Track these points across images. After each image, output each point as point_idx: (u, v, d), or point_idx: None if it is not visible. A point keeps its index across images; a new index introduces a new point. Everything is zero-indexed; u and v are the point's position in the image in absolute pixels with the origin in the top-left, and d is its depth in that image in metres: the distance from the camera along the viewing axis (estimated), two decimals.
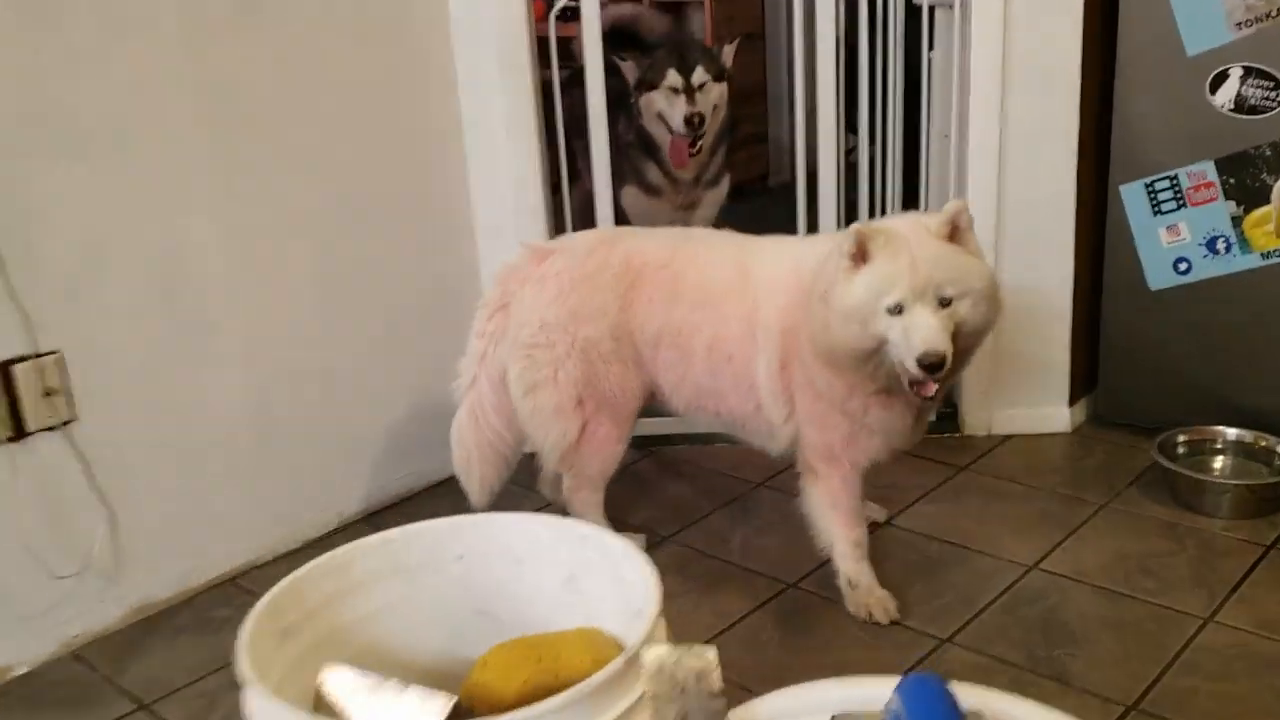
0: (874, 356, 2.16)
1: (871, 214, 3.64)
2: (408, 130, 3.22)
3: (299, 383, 3.08)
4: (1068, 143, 3.20)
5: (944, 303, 2.09)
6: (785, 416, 2.49)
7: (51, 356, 2.61)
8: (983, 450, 3.40)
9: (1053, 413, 3.46)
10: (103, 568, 2.77)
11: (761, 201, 4.03)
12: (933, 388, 2.14)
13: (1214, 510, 2.94)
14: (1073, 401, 3.46)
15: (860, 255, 2.12)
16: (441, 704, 1.26)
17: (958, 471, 3.28)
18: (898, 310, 2.08)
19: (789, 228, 3.39)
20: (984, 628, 2.55)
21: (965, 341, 2.18)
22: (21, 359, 2.57)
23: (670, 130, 3.75)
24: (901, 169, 3.60)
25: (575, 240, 2.75)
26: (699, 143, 3.73)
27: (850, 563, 2.60)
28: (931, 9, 3.39)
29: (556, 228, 3.44)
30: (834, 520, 2.59)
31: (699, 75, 3.72)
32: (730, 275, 2.53)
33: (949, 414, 3.52)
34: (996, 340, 3.36)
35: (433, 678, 1.37)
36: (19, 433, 2.59)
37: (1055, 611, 2.60)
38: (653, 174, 3.81)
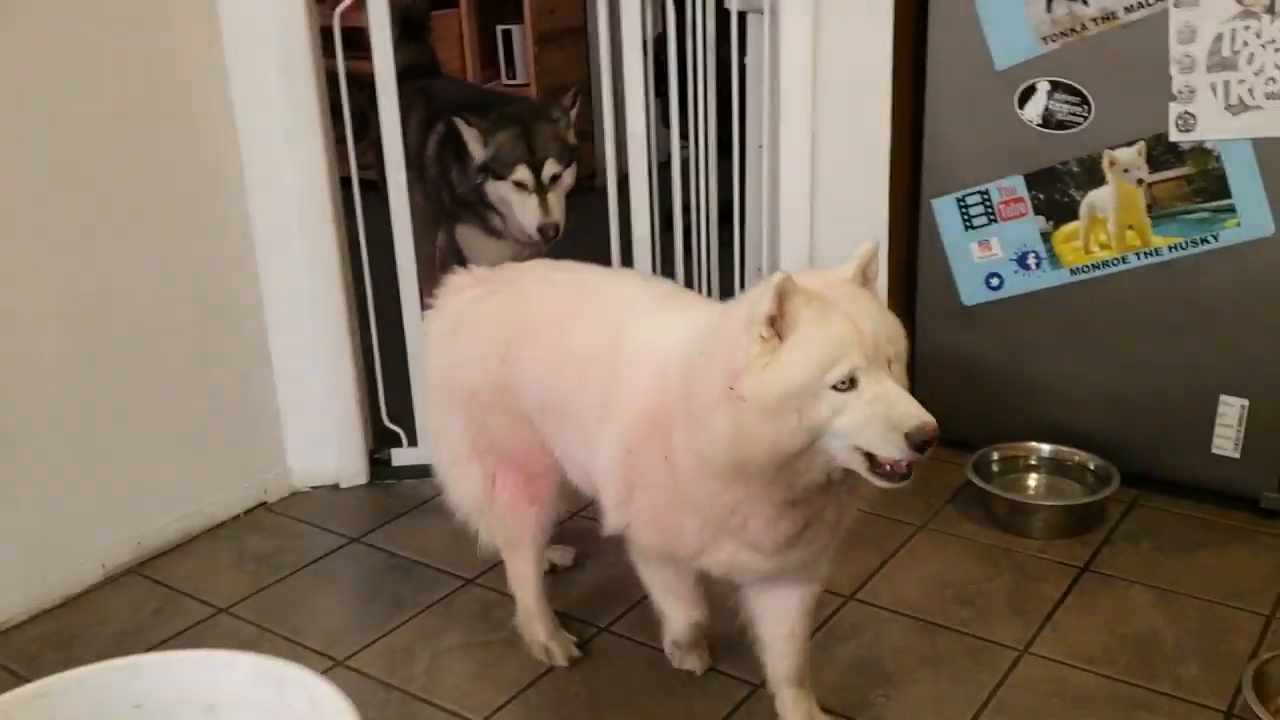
0: (805, 454, 1.68)
1: (688, 218, 3.51)
2: (170, 133, 2.89)
3: (49, 414, 2.75)
4: (879, 155, 3.12)
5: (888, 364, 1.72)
6: (619, 503, 2.05)
7: None
8: None
9: None
10: None
11: (587, 200, 3.70)
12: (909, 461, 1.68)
13: (1028, 531, 2.90)
14: None
15: (779, 324, 1.66)
16: None
17: None
18: (849, 385, 1.64)
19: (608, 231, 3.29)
20: None
21: None
22: None
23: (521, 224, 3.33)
24: (717, 174, 3.48)
25: (484, 278, 2.41)
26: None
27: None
28: (742, 15, 3.26)
29: (352, 244, 3.20)
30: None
31: (550, 168, 3.26)
32: (605, 339, 2.09)
33: None
34: None
35: None
36: None
37: (872, 648, 2.51)
38: (496, 222, 3.44)
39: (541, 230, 3.26)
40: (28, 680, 2.48)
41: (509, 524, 2.42)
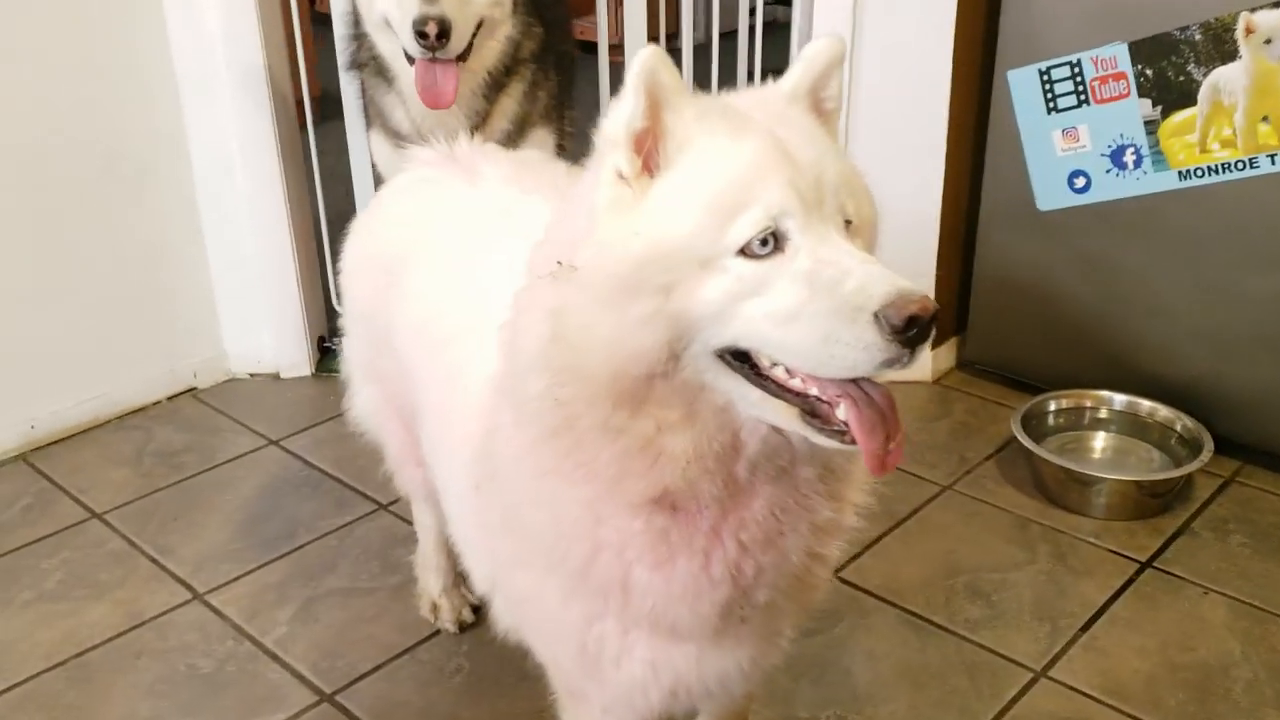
0: (678, 385, 1.01)
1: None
2: None
3: None
4: (942, 12, 2.43)
5: (847, 225, 1.04)
6: (480, 575, 1.41)
7: None
8: None
9: None
10: None
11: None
12: (891, 433, 1.02)
13: (1083, 507, 2.27)
14: (936, 344, 2.75)
15: (649, 145, 1.01)
16: None
17: None
18: (771, 245, 0.97)
19: None
20: None
21: None
22: None
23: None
24: None
25: (452, 161, 1.70)
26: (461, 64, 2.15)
27: None
28: None
29: (287, 83, 2.68)
30: None
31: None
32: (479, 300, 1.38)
33: None
34: None
35: None
36: None
37: (842, 648, 1.95)
38: (398, 115, 2.31)
39: (422, 26, 2.04)
40: None
41: (400, 475, 1.90)
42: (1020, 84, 2.44)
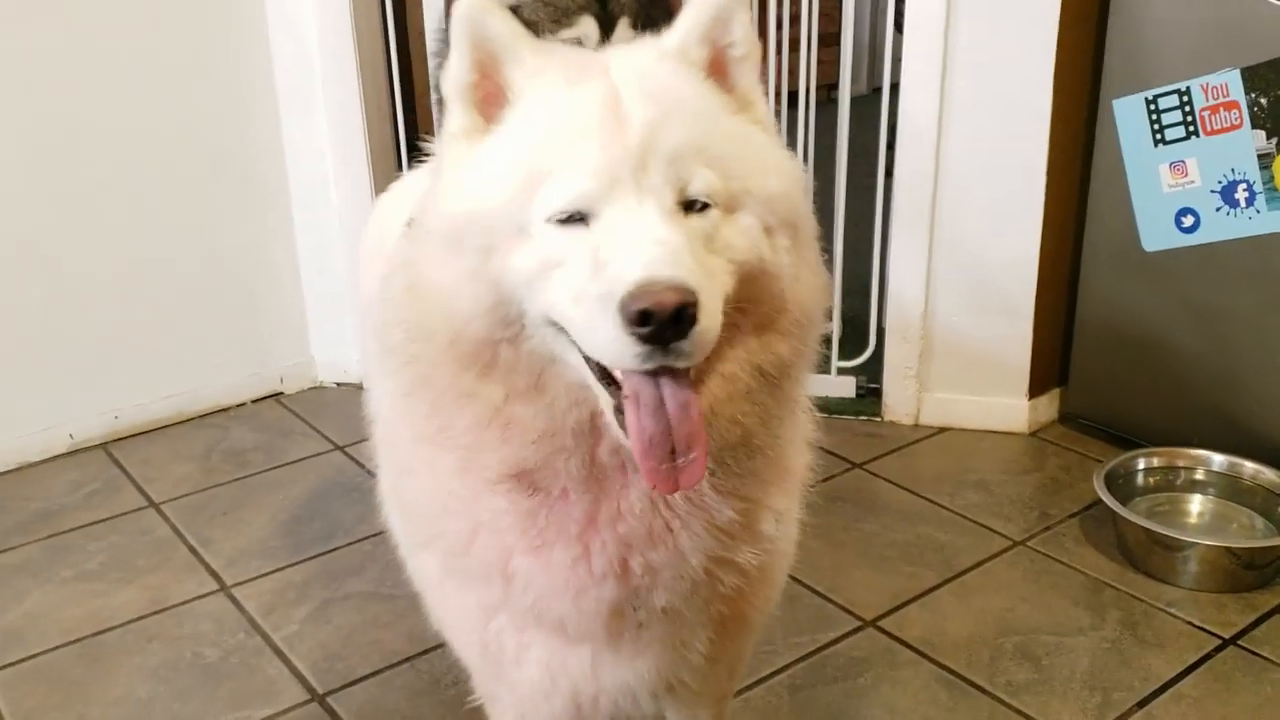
0: (510, 345, 0.93)
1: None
2: None
3: (10, 267, 2.45)
4: (1044, 28, 2.28)
5: (691, 205, 0.91)
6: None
7: None
8: (898, 444, 2.55)
9: (1007, 406, 2.56)
10: None
11: (830, 114, 2.71)
12: (678, 448, 0.89)
13: (1168, 574, 2.04)
14: (1035, 394, 2.56)
15: (490, 97, 0.95)
16: None
17: (846, 470, 2.44)
18: (577, 219, 0.89)
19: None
20: (746, 710, 1.76)
21: (754, 317, 0.95)
22: None
23: None
24: None
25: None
26: None
27: None
28: None
29: (383, 100, 2.72)
30: None
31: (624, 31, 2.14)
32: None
33: (871, 391, 2.67)
34: (930, 303, 2.50)
35: None
36: None
37: (862, 699, 1.78)
38: None
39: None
40: None
41: None
42: (1126, 114, 2.26)
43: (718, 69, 0.97)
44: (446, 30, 2.28)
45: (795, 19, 2.64)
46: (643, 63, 0.95)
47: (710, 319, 0.85)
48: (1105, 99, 2.29)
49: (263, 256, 2.78)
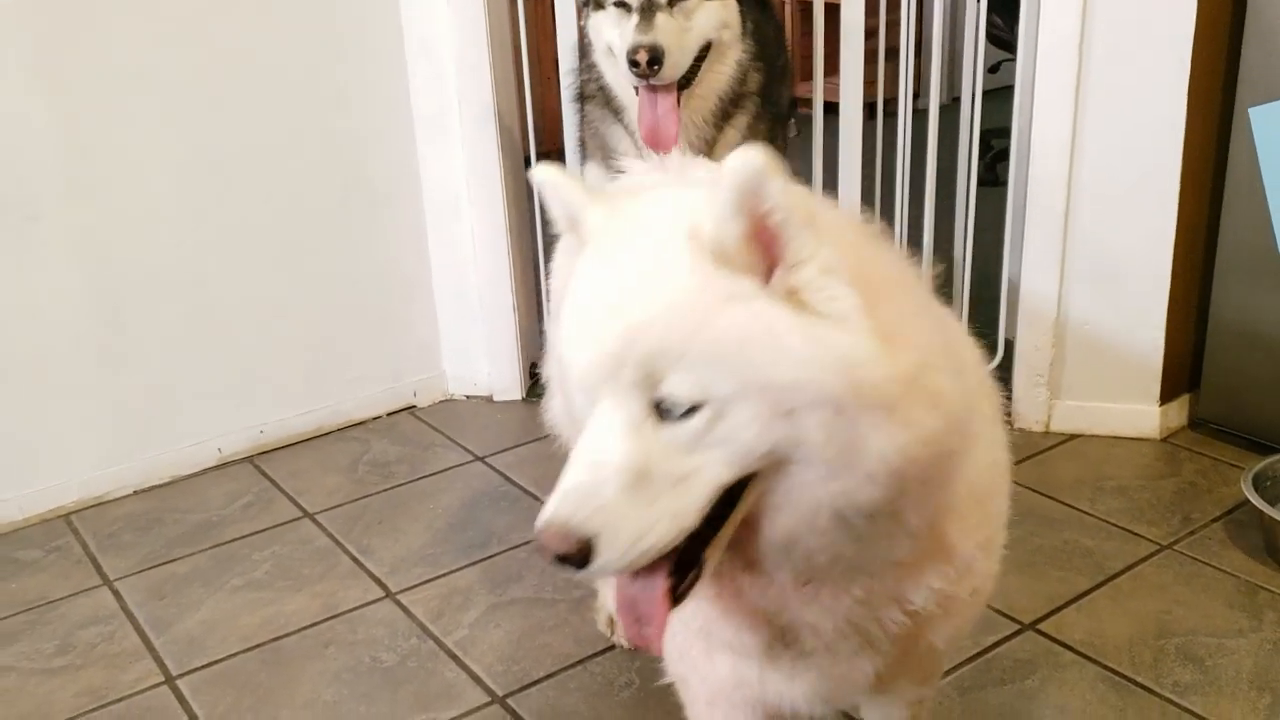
0: None
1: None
2: None
3: (162, 288, 2.55)
4: (1177, 43, 2.31)
5: (665, 409, 0.91)
6: None
7: None
8: (1031, 451, 2.58)
9: (1138, 412, 2.59)
10: None
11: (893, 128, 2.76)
12: (643, 619, 0.99)
13: None
14: (1166, 400, 2.58)
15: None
16: None
17: None
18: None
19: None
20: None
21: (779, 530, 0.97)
22: None
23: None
24: None
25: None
26: (683, 95, 2.14)
27: None
28: None
29: (516, 121, 2.79)
30: None
31: None
32: None
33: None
34: (1062, 311, 2.53)
35: None
36: None
37: (1032, 700, 1.82)
38: (623, 146, 2.30)
39: (633, 55, 2.04)
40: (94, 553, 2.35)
41: None
42: (1262, 121, 2.28)
43: (760, 238, 0.90)
44: (582, 48, 2.36)
45: (871, 32, 2.67)
46: (656, 244, 0.94)
47: (614, 554, 0.89)
48: (1240, 107, 2.32)
49: (397, 275, 2.86)
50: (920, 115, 2.79)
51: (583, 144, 2.51)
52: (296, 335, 2.76)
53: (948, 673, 1.87)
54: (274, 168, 2.63)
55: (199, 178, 2.54)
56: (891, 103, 2.80)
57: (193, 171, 2.53)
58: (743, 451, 0.90)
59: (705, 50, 2.15)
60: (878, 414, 0.89)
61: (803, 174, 2.69)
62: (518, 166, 2.84)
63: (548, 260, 2.62)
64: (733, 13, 2.17)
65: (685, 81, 2.14)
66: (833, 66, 2.71)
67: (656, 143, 2.13)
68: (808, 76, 2.84)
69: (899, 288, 0.99)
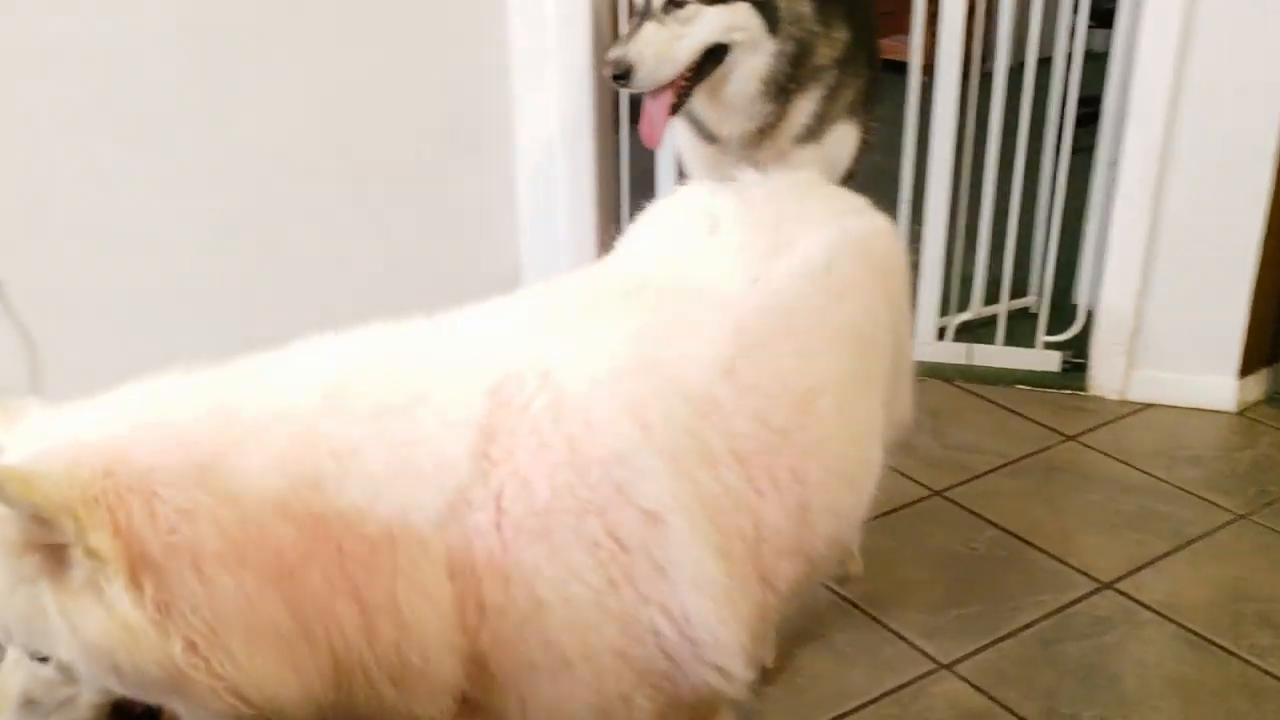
0: None
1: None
2: None
3: (275, 224, 2.62)
4: None
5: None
6: None
7: None
8: (1106, 419, 2.62)
9: (1215, 384, 2.62)
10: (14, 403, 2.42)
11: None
12: None
13: None
14: (1245, 373, 2.62)
15: None
16: None
17: (1060, 441, 2.53)
18: None
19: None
20: (1002, 659, 1.87)
21: None
22: None
23: None
24: None
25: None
26: (679, 101, 2.17)
27: None
28: None
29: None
30: None
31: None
32: None
33: (1076, 366, 2.74)
34: (1146, 280, 2.57)
35: None
36: None
37: (1111, 654, 1.89)
38: (697, 107, 2.31)
39: (608, 65, 2.11)
40: None
41: None
42: None
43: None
44: None
45: None
46: None
47: None
48: None
49: (486, 229, 2.91)
50: (986, 79, 2.77)
51: None
52: (379, 287, 2.81)
53: (1028, 625, 1.94)
54: (375, 109, 2.68)
55: (311, 116, 2.60)
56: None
57: (305, 110, 2.59)
58: (86, 701, 1.01)
59: (721, 49, 2.13)
60: (168, 690, 0.94)
61: (893, 137, 2.73)
62: (607, 123, 2.88)
63: (632, 214, 2.69)
64: (744, 15, 2.14)
65: (697, 79, 2.13)
66: (900, 25, 2.73)
67: (647, 141, 2.19)
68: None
69: (218, 559, 0.93)
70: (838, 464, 1.29)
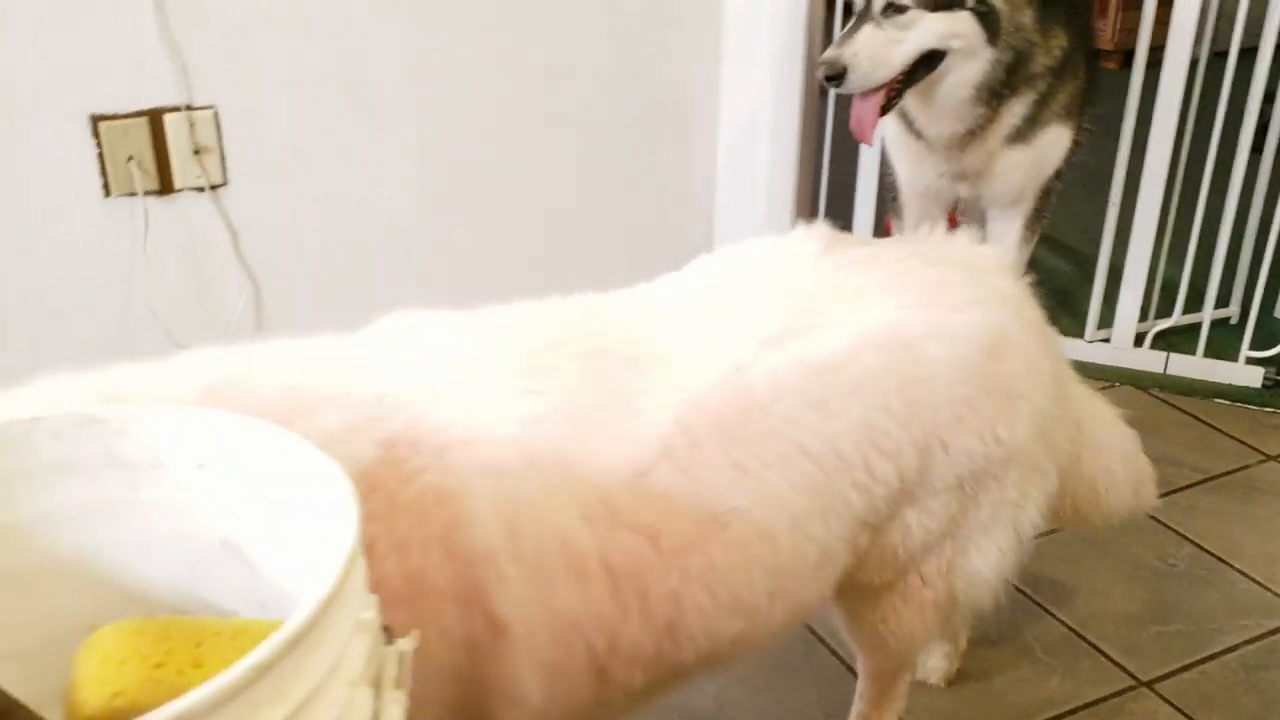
0: None
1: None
2: None
3: (478, 192, 2.72)
4: None
5: None
6: None
7: (207, 111, 2.38)
8: None
9: None
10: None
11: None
12: None
13: None
14: None
15: None
16: None
17: (1261, 461, 2.49)
18: None
19: None
20: (1204, 681, 1.88)
21: None
22: (174, 109, 2.35)
23: None
24: None
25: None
26: (889, 104, 2.21)
27: None
28: None
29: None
30: None
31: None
32: None
33: (1279, 384, 2.70)
34: None
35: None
36: (165, 188, 2.41)
37: None
38: (916, 111, 2.38)
39: (821, 65, 2.18)
40: None
41: None
42: None
43: None
44: None
45: None
46: None
47: None
48: None
49: (683, 202, 2.96)
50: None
51: None
52: (576, 251, 2.89)
53: (1230, 649, 1.94)
54: (592, 82, 2.75)
55: (535, 87, 2.67)
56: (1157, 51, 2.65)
57: (529, 82, 2.66)
58: None
59: (937, 55, 2.17)
60: None
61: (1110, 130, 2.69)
62: (816, 104, 2.90)
63: (830, 197, 2.73)
64: (965, 23, 2.17)
65: (908, 83, 2.19)
66: None
67: (857, 135, 2.26)
68: None
69: None
70: (733, 594, 1.14)
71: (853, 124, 2.27)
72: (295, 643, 0.64)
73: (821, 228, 1.40)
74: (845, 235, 1.41)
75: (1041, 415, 1.34)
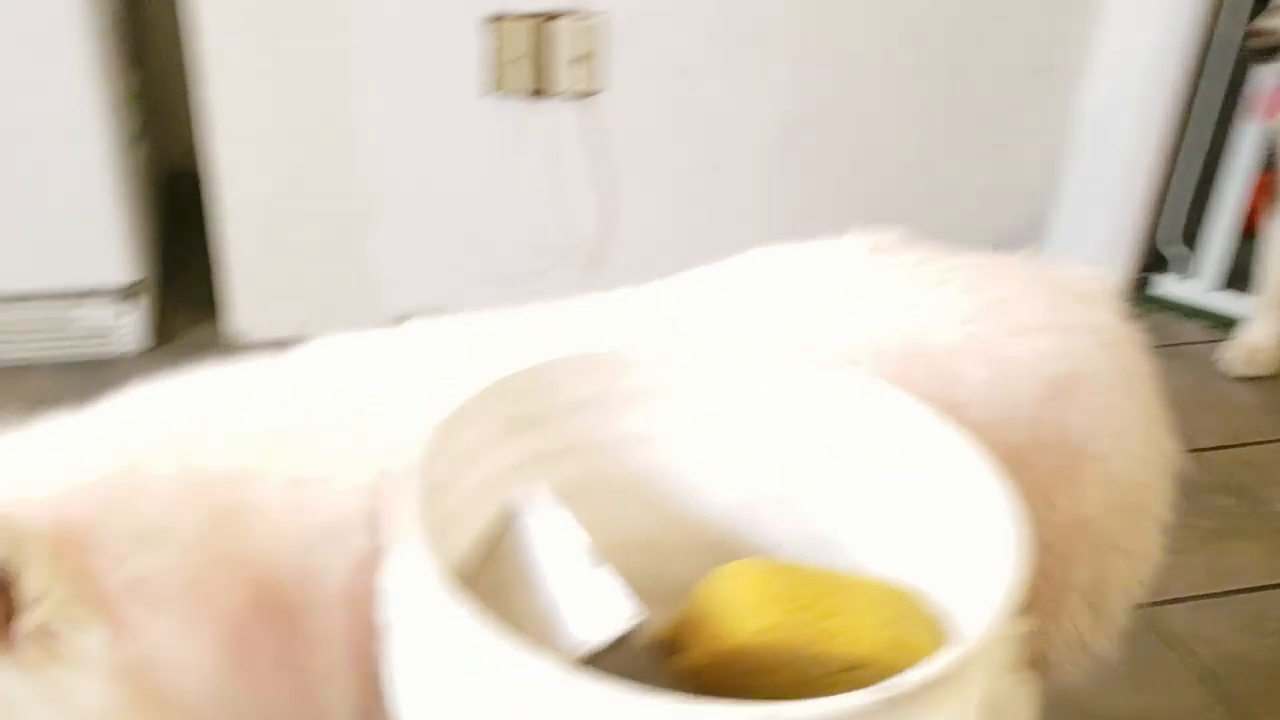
0: None
1: None
2: None
3: (835, 127, 2.70)
4: None
5: None
6: None
7: (596, 19, 2.41)
8: None
9: None
10: (590, 255, 2.64)
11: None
12: None
13: None
14: None
15: None
16: (620, 615, 0.74)
17: None
18: None
19: None
20: None
21: None
22: (566, 14, 2.39)
23: None
24: None
25: None
26: None
27: None
28: None
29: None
30: None
31: None
32: None
33: None
34: None
35: (700, 559, 0.86)
36: (541, 91, 2.47)
37: None
38: None
39: (1253, 35, 2.02)
40: None
41: None
42: None
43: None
44: None
45: None
46: None
47: None
48: None
49: (1019, 170, 2.90)
50: None
51: None
52: (920, 183, 2.85)
53: None
54: (959, 31, 2.68)
55: (904, 32, 2.65)
56: None
57: (899, 27, 2.64)
58: None
59: None
60: None
61: None
62: (1190, 74, 2.73)
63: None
64: None
65: None
66: None
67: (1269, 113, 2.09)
68: None
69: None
70: None
71: (1268, 98, 2.10)
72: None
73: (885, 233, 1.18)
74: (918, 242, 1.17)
75: (1122, 482, 1.05)
